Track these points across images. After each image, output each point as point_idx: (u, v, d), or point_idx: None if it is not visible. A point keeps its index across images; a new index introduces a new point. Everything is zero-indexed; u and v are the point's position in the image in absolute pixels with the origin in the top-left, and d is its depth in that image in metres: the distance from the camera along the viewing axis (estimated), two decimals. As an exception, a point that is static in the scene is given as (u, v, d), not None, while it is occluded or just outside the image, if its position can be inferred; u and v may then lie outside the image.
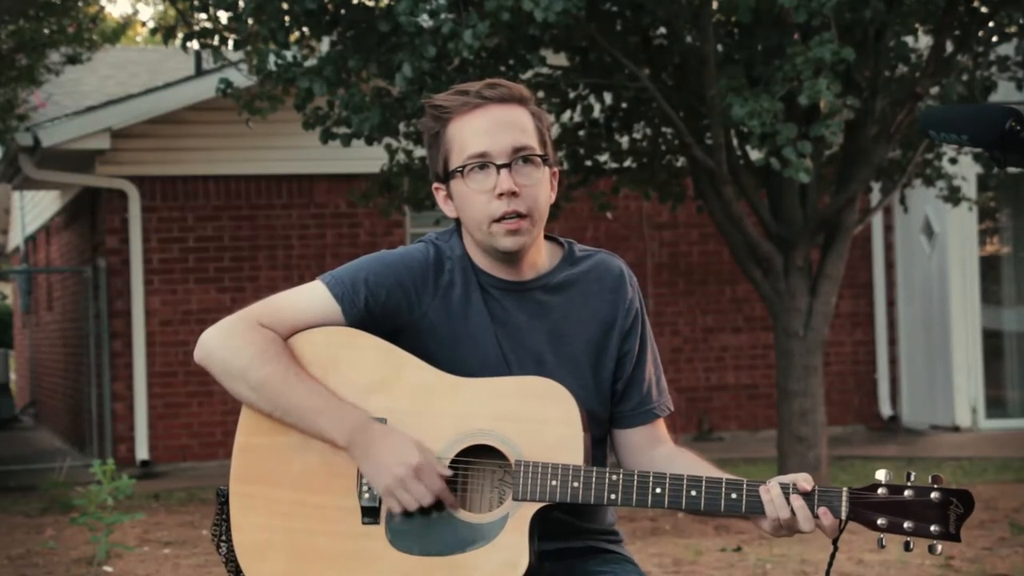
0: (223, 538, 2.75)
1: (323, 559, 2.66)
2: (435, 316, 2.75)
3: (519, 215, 2.69)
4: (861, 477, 10.40)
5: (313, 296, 2.74)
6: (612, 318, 2.81)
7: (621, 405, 2.82)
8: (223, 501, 2.75)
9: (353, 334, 2.72)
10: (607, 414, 2.83)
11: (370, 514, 2.65)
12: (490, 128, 2.70)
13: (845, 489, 2.56)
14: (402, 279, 2.74)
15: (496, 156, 2.69)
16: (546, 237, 2.82)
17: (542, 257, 2.80)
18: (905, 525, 2.54)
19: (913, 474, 2.58)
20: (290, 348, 2.71)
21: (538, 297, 2.78)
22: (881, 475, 2.57)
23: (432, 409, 2.67)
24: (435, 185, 2.80)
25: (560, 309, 2.79)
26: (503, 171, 2.68)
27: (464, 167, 2.70)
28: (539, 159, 2.72)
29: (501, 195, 2.68)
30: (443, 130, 2.74)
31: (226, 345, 2.71)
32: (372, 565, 2.64)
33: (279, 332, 2.72)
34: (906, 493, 2.55)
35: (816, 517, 2.55)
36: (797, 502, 2.56)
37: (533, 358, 2.75)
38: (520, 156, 2.70)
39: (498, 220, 2.69)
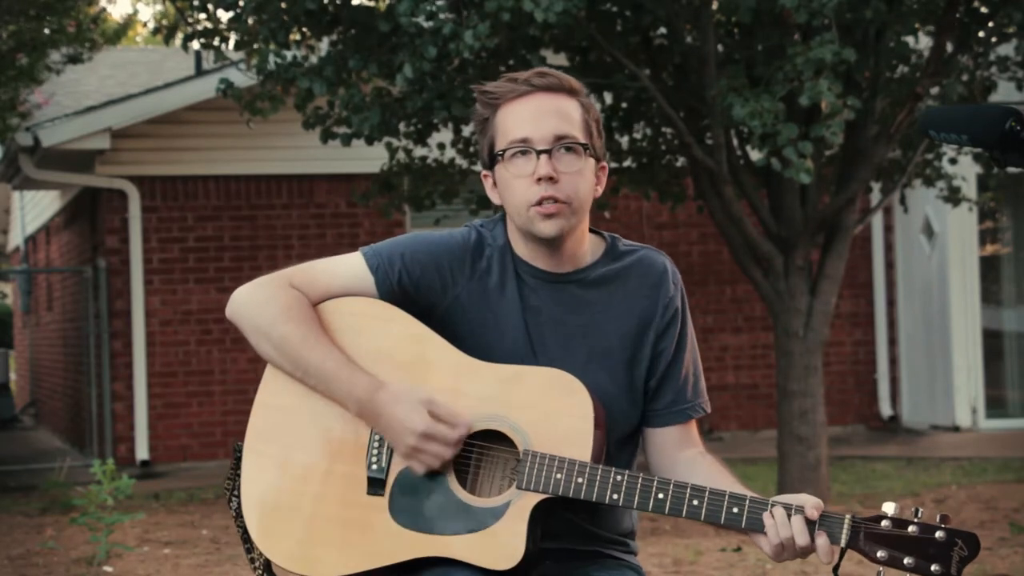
0: (235, 493, 2.78)
1: (325, 524, 2.69)
2: (467, 300, 2.76)
3: (556, 200, 2.69)
4: (861, 477, 10.40)
5: (349, 265, 2.78)
6: (651, 315, 2.81)
7: (653, 403, 2.81)
8: (239, 456, 2.78)
9: (384, 307, 2.74)
10: (639, 412, 2.82)
11: (376, 485, 2.68)
12: (534, 115, 2.71)
13: (848, 516, 2.54)
14: (439, 260, 2.76)
15: (537, 142, 2.70)
16: (591, 231, 2.82)
17: (584, 250, 2.80)
18: (906, 561, 2.50)
19: (921, 511, 2.54)
20: (318, 313, 2.74)
21: (574, 291, 2.78)
22: (889, 508, 2.54)
23: (450, 389, 2.68)
24: (483, 173, 2.82)
25: (598, 304, 2.79)
26: (543, 156, 2.70)
27: (505, 151, 2.72)
28: (581, 148, 2.73)
29: (540, 180, 2.69)
30: (493, 116, 2.76)
31: (254, 300, 2.76)
32: (371, 535, 2.66)
33: (310, 295, 2.75)
34: (910, 529, 2.51)
35: (812, 539, 2.53)
36: (797, 523, 2.54)
37: (561, 350, 2.75)
38: (562, 144, 2.71)
39: (536, 204, 2.69)
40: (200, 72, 13.23)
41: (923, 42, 9.71)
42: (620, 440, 2.79)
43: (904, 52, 8.91)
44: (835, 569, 2.58)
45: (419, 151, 9.67)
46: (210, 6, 9.13)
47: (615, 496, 2.60)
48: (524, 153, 2.71)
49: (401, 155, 9.74)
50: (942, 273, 13.34)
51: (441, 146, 9.65)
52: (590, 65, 9.13)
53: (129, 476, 7.89)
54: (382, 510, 2.66)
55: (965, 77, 9.36)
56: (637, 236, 13.33)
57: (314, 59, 8.88)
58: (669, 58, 9.03)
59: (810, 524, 2.54)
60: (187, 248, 12.72)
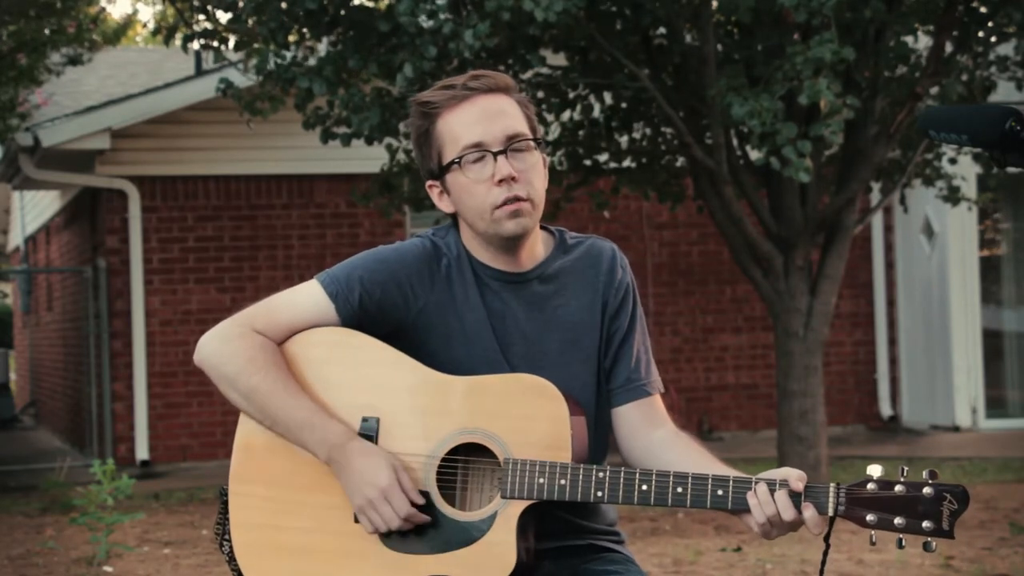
0: (226, 537, 2.77)
1: (318, 557, 2.69)
2: (432, 311, 2.75)
3: (519, 199, 2.70)
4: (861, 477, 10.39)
5: (308, 296, 2.76)
6: (606, 299, 2.82)
7: (610, 383, 2.82)
8: (225, 500, 2.78)
9: (348, 334, 2.73)
10: None
11: None
12: (481, 118, 2.71)
13: (833, 485, 2.53)
14: (397, 275, 2.75)
15: (491, 144, 2.70)
16: (539, 226, 2.83)
17: (539, 246, 2.81)
18: (896, 521, 2.49)
19: (906, 469, 2.53)
20: (284, 351, 2.74)
21: (536, 287, 2.79)
22: (874, 471, 2.52)
23: (423, 408, 2.68)
24: (429, 183, 2.81)
25: (558, 297, 2.80)
26: (500, 158, 2.70)
27: (461, 158, 2.71)
28: (533, 144, 2.74)
29: (501, 181, 2.69)
30: (432, 126, 2.75)
31: (220, 351, 2.74)
32: (364, 563, 2.66)
33: (274, 335, 2.74)
34: (897, 488, 2.50)
35: (799, 512, 2.52)
36: (781, 498, 2.53)
37: (534, 350, 2.76)
38: (514, 142, 2.72)
39: (500, 206, 2.69)
40: (200, 72, 13.22)
41: (923, 42, 9.72)
42: (605, 427, 2.80)
43: (904, 52, 8.92)
44: (826, 538, 2.56)
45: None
46: (210, 7, 9.14)
47: (599, 493, 2.60)
48: (480, 157, 2.71)
49: (401, 155, 9.75)
50: (942, 273, 13.34)
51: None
52: (590, 65, 9.13)
53: (129, 476, 7.89)
54: (372, 537, 2.66)
55: (965, 77, 9.37)
56: (637, 236, 13.34)
57: (314, 59, 8.89)
58: (669, 58, 9.04)
59: (795, 497, 2.53)
60: (187, 248, 12.72)
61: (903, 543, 2.51)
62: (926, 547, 2.50)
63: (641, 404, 2.82)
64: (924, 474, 2.51)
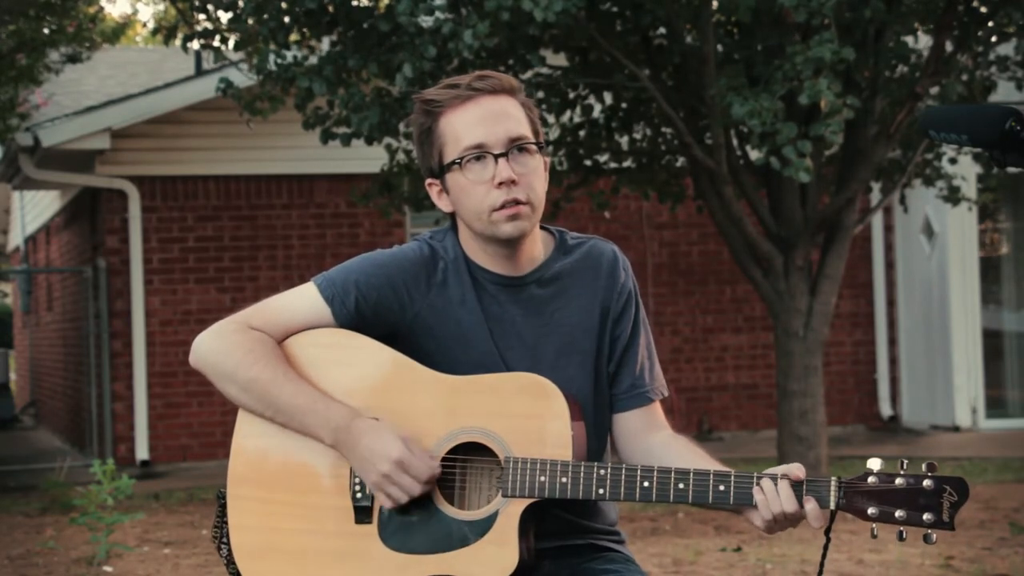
0: (224, 540, 2.76)
1: (318, 559, 2.68)
2: (429, 315, 2.75)
3: (518, 202, 2.69)
4: (861, 477, 10.39)
5: (304, 298, 2.75)
6: (607, 303, 2.81)
7: (613, 388, 2.82)
8: (223, 503, 2.77)
9: (345, 335, 2.73)
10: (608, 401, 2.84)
11: (363, 513, 2.67)
12: (484, 119, 2.70)
13: (834, 478, 2.55)
14: (393, 279, 2.75)
15: (493, 146, 2.70)
16: (539, 227, 2.83)
17: (538, 248, 2.80)
18: (897, 514, 2.50)
19: (906, 462, 2.54)
20: (282, 350, 2.73)
21: (534, 291, 2.79)
22: (874, 464, 2.54)
23: (422, 407, 2.67)
24: (428, 181, 2.80)
25: (557, 300, 2.79)
26: (501, 160, 2.69)
27: (462, 159, 2.71)
28: (534, 147, 2.74)
29: (501, 184, 2.68)
30: (435, 124, 2.74)
31: (216, 348, 2.74)
32: (365, 564, 2.66)
33: (270, 334, 2.74)
34: (897, 481, 2.51)
35: (801, 505, 2.53)
36: (784, 491, 2.54)
37: (530, 353, 2.76)
38: (516, 145, 2.71)
39: (498, 209, 2.69)
40: (200, 72, 13.23)
41: (923, 42, 9.72)
42: (602, 431, 2.80)
43: (904, 52, 8.92)
44: (827, 532, 2.58)
45: (419, 151, 9.65)
46: (210, 7, 9.14)
47: (600, 491, 2.60)
48: (480, 158, 2.70)
49: (401, 155, 9.75)
50: (942, 273, 13.34)
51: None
52: (590, 65, 9.14)
53: (129, 476, 7.89)
54: (373, 537, 2.66)
55: (965, 77, 9.37)
56: (637, 236, 13.34)
57: (314, 59, 8.89)
58: (669, 58, 9.04)
59: (797, 489, 2.54)
60: (187, 248, 12.72)
61: (904, 535, 2.53)
62: (926, 539, 2.52)
63: (643, 410, 2.82)
64: (923, 467, 2.53)
